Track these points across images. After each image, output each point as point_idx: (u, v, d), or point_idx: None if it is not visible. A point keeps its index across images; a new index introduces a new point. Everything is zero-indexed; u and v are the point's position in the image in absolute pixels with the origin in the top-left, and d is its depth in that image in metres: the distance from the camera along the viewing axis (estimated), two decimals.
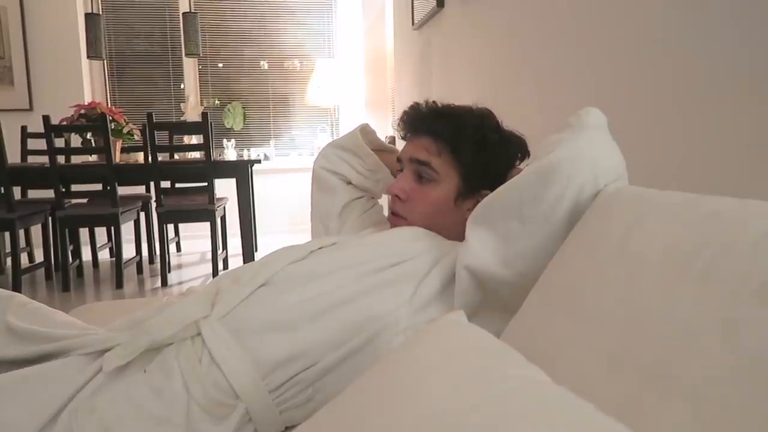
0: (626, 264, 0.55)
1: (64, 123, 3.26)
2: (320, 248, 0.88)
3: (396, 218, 0.98)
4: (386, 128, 4.40)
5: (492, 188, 0.90)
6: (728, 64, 0.94)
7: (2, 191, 3.14)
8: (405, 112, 1.01)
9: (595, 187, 0.71)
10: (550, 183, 0.71)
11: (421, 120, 0.97)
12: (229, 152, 4.20)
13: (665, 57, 1.11)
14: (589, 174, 0.71)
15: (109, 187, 3.19)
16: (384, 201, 1.14)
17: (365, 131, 1.16)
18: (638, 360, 0.46)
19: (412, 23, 3.10)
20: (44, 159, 3.29)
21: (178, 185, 3.69)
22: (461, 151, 0.93)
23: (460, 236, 0.91)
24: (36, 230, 3.69)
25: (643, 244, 0.55)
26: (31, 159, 3.80)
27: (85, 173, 3.41)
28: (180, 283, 3.39)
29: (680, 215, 0.55)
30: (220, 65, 4.83)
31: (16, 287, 3.04)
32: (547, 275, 0.68)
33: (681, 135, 1.07)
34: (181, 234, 4.26)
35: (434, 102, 1.00)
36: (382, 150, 1.16)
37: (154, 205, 3.48)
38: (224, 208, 3.76)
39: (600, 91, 1.36)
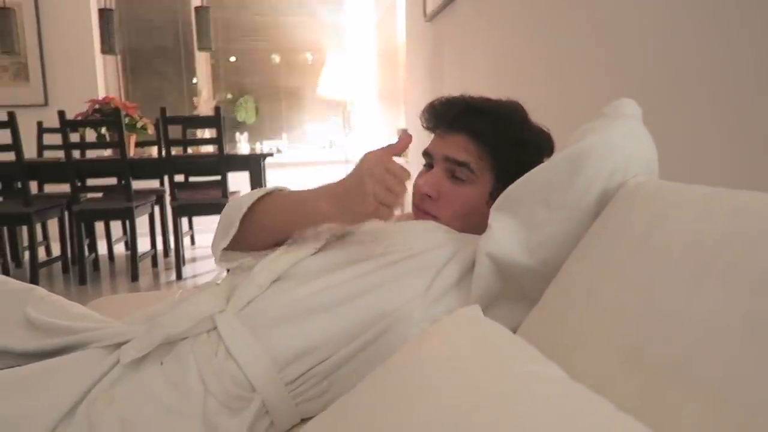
0: (648, 258, 0.54)
1: (79, 118, 3.29)
2: (332, 236, 0.88)
3: (425, 217, 0.95)
4: (398, 120, 4.39)
5: None
6: (757, 55, 0.92)
7: (19, 186, 3.19)
8: (435, 106, 0.97)
9: (625, 177, 0.70)
10: (581, 169, 0.70)
11: (457, 116, 0.93)
12: (242, 146, 4.22)
13: (684, 48, 1.09)
14: (621, 163, 0.70)
15: (123, 182, 3.22)
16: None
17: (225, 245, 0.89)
18: (659, 356, 0.46)
19: (424, 15, 3.08)
20: (60, 154, 3.33)
21: (191, 179, 3.71)
22: (500, 153, 0.90)
23: None
24: (53, 224, 3.74)
25: (665, 238, 0.54)
26: (47, 154, 3.84)
27: (100, 168, 3.45)
28: (194, 276, 3.42)
29: (704, 209, 0.54)
30: (232, 59, 4.84)
31: (34, 280, 3.08)
32: (567, 268, 0.67)
33: (705, 129, 1.05)
34: (195, 227, 4.30)
35: (471, 96, 0.97)
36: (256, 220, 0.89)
37: (168, 198, 3.50)
38: None
39: (618, 83, 1.34)
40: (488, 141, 0.90)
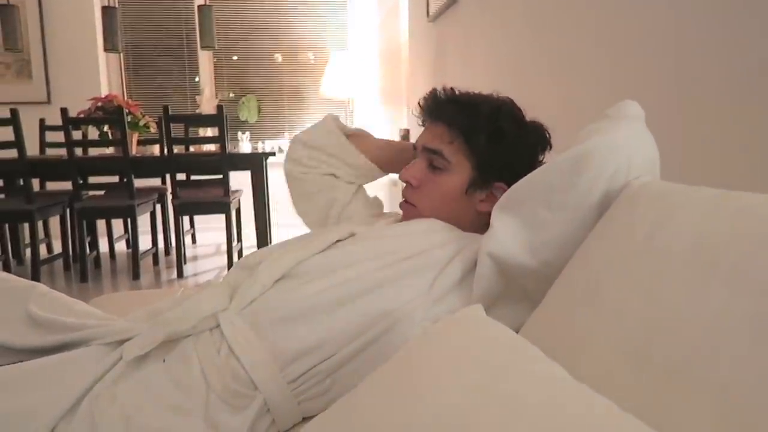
0: (652, 259, 0.54)
1: (82, 116, 3.29)
2: (338, 240, 0.88)
3: (407, 205, 0.97)
4: (400, 121, 4.39)
5: (506, 180, 0.89)
6: (759, 56, 0.92)
7: (21, 183, 3.19)
8: (423, 99, 0.99)
9: (628, 178, 0.70)
10: (583, 170, 0.70)
11: (437, 107, 0.95)
12: (244, 145, 4.22)
13: (688, 48, 1.09)
14: (623, 164, 0.70)
15: (125, 180, 3.22)
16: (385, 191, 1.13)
17: (338, 124, 1.11)
18: (663, 357, 0.45)
19: (427, 15, 3.09)
20: (62, 151, 3.33)
21: (193, 177, 3.72)
22: (474, 140, 0.91)
23: (470, 227, 0.91)
24: (54, 222, 3.74)
25: (670, 239, 0.54)
26: (49, 151, 3.85)
27: (103, 165, 3.45)
28: (195, 274, 3.42)
29: (709, 210, 0.53)
30: (235, 58, 4.84)
31: (35, 278, 3.09)
32: (571, 268, 0.67)
33: (708, 131, 1.05)
34: (197, 226, 4.30)
35: (452, 89, 0.98)
36: (353, 135, 1.12)
37: (170, 197, 3.51)
38: (239, 200, 3.78)
39: (620, 84, 1.34)
40: (461, 128, 0.91)
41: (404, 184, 0.98)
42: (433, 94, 0.98)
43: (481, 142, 0.90)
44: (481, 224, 0.92)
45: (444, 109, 0.94)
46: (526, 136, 0.94)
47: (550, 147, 0.96)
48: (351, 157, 1.09)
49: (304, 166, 1.11)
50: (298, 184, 1.13)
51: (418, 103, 0.99)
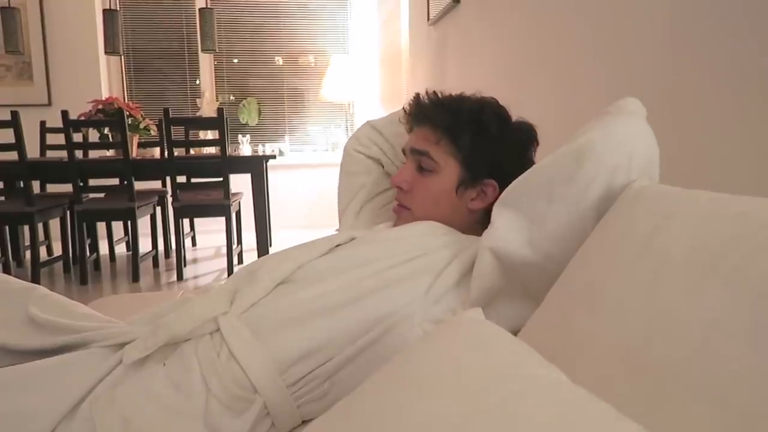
0: (651, 262, 0.54)
1: (82, 118, 3.30)
2: (338, 245, 0.89)
3: (399, 208, 0.98)
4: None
5: (494, 177, 0.91)
6: (755, 59, 0.93)
7: (22, 185, 3.19)
8: (408, 104, 1.00)
9: (628, 171, 0.70)
10: (584, 163, 0.70)
11: (422, 111, 0.97)
12: (244, 148, 4.23)
13: (684, 51, 1.09)
14: (623, 156, 0.70)
15: (126, 182, 3.23)
16: None
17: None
18: (662, 360, 0.45)
19: (428, 19, 3.10)
20: (63, 154, 3.34)
21: (193, 180, 3.72)
22: (459, 138, 0.92)
23: (463, 226, 0.92)
24: (54, 224, 3.74)
25: (669, 242, 0.53)
26: (49, 154, 3.85)
27: (103, 168, 3.46)
28: (195, 277, 3.42)
29: (708, 214, 0.53)
30: (236, 61, 4.85)
31: (35, 280, 3.08)
32: (570, 271, 0.67)
33: (704, 134, 1.05)
34: (197, 229, 4.30)
35: (435, 92, 0.99)
36: None
37: (170, 199, 3.51)
38: (239, 203, 3.78)
39: (619, 86, 1.34)
40: (446, 127, 0.92)
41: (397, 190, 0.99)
42: (417, 99, 0.99)
43: (467, 139, 0.92)
44: (473, 223, 0.93)
45: (428, 111, 0.96)
46: (510, 131, 0.95)
47: (537, 144, 0.97)
48: (396, 143, 1.12)
49: (360, 144, 1.15)
50: (348, 160, 1.17)
51: (404, 109, 1.00)
